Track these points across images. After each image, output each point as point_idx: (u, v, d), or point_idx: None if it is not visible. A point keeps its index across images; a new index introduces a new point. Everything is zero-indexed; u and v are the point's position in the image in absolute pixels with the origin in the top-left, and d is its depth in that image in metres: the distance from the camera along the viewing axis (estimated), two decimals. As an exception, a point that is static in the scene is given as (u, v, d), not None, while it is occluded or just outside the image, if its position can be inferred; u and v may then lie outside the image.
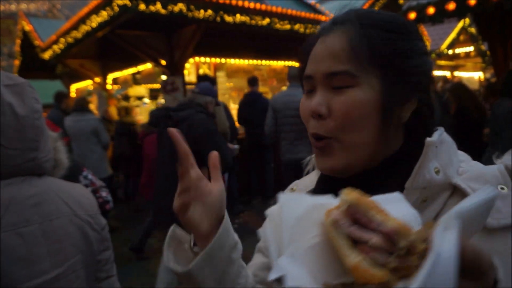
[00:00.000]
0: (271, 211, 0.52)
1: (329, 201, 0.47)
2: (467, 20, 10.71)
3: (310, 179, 0.74)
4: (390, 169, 0.60)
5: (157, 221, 3.66)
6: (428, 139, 0.56)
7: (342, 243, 0.40)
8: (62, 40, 6.73)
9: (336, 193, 0.65)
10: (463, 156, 0.63)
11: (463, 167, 0.59)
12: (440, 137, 0.59)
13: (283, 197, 0.48)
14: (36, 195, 0.97)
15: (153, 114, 4.34)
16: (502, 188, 0.53)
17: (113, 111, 7.48)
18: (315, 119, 0.61)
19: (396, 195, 0.47)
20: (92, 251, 1.05)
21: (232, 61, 7.31)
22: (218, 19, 5.41)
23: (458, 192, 0.55)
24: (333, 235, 0.42)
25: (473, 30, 11.19)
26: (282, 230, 0.46)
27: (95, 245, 1.06)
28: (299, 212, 0.46)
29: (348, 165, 0.60)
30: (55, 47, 7.08)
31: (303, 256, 0.43)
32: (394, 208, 0.44)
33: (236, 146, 4.60)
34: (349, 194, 0.43)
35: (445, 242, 0.34)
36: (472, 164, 0.61)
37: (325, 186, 0.66)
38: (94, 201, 1.12)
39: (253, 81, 5.84)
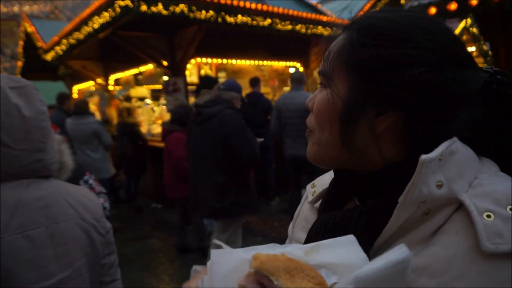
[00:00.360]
0: (208, 265, 0.50)
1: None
2: (469, 21, 10.69)
3: (330, 176, 0.73)
4: (387, 178, 0.57)
5: (195, 215, 3.76)
6: (422, 156, 0.50)
7: None
8: (64, 41, 6.76)
9: (344, 192, 0.65)
10: (488, 167, 0.57)
11: (480, 179, 0.53)
12: (448, 148, 0.52)
13: (214, 253, 0.47)
14: (43, 198, 0.97)
15: (176, 112, 4.32)
16: (511, 209, 0.47)
17: (112, 112, 7.50)
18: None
19: (348, 238, 0.46)
20: (97, 255, 1.06)
21: (234, 61, 7.31)
22: (220, 19, 5.43)
23: (464, 207, 0.50)
24: None
25: (475, 30, 11.17)
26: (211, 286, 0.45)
27: (100, 248, 1.06)
28: (227, 268, 0.45)
29: (319, 158, 0.63)
30: (57, 48, 7.12)
31: None
32: (342, 252, 0.43)
33: (261, 139, 4.70)
34: (255, 259, 0.41)
35: None
36: (492, 177, 0.54)
37: (334, 185, 0.67)
38: (99, 205, 1.13)
39: (254, 82, 5.90)
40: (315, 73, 8.25)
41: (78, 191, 1.10)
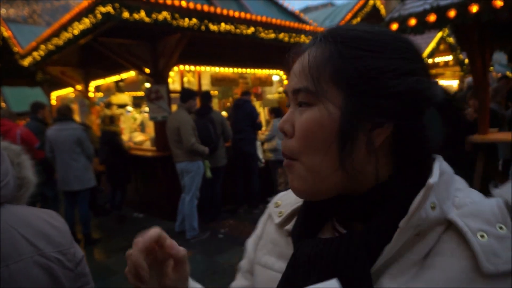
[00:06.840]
0: None
1: None
2: (446, 31, 11.04)
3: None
4: (377, 198, 0.54)
5: None
6: (430, 181, 0.50)
7: None
8: (42, 47, 6.59)
9: (322, 216, 0.61)
10: (460, 183, 0.57)
11: (459, 197, 0.53)
12: (439, 170, 0.53)
13: None
14: None
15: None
16: (500, 228, 0.47)
17: (93, 119, 7.36)
18: (284, 136, 0.58)
19: (332, 282, 0.44)
20: None
21: (217, 69, 7.29)
22: (203, 27, 5.40)
23: (453, 227, 0.50)
24: None
25: (451, 40, 11.54)
26: None
27: (66, 285, 0.89)
28: None
29: (313, 190, 0.56)
30: (35, 53, 6.93)
31: None
32: None
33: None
34: None
35: None
36: (469, 194, 0.55)
37: (310, 208, 0.62)
38: (66, 231, 0.94)
39: (245, 92, 6.34)
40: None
41: (41, 218, 0.91)
